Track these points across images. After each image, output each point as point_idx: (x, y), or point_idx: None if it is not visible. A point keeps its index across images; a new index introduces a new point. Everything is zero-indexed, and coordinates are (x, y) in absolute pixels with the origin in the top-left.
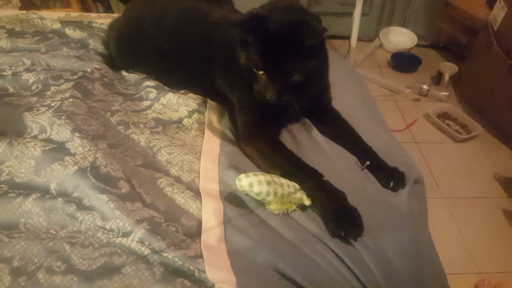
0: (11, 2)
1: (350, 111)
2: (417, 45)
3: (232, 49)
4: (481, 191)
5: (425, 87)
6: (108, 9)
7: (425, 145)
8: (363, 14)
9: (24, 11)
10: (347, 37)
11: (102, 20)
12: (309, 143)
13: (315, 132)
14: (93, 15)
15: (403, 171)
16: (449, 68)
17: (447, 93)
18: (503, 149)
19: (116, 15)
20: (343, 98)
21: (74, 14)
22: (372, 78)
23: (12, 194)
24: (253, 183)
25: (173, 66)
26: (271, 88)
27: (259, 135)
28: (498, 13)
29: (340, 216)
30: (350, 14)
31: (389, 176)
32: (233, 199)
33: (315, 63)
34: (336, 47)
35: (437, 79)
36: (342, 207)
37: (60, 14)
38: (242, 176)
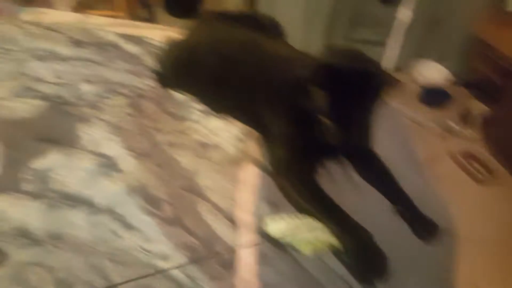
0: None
1: (387, 152)
2: (448, 81)
3: (283, 84)
4: (502, 236)
5: (452, 124)
6: (153, 14)
7: (446, 183)
8: (401, 47)
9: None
10: None
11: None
12: (345, 183)
13: (352, 173)
14: (142, 24)
15: (437, 223)
16: (478, 108)
17: (475, 133)
18: None
19: (161, 26)
20: (381, 138)
21: (125, 21)
22: (400, 109)
23: (60, 204)
24: (279, 229)
25: (223, 92)
26: (336, 135)
27: (295, 170)
28: None
29: (367, 259)
30: (384, 43)
31: (423, 226)
32: (267, 234)
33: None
34: None
35: (466, 117)
36: (370, 250)
37: (112, 20)
38: (269, 219)
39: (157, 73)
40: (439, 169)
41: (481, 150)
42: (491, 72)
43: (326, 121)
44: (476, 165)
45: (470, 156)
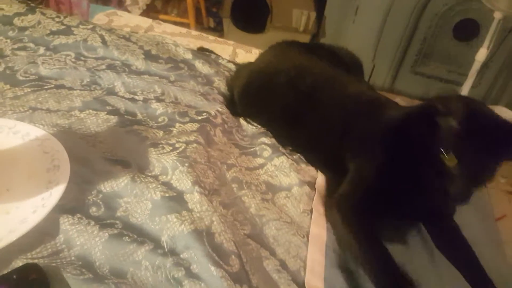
0: (138, 3)
1: (467, 226)
2: None
3: (371, 119)
4: None
5: None
6: (218, 24)
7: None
8: (472, 87)
9: (154, 24)
10: None
11: (219, 47)
12: (421, 255)
13: (431, 244)
14: (211, 37)
15: None
16: None
17: None
18: None
19: (231, 42)
20: (462, 209)
21: (195, 33)
22: None
23: (127, 236)
24: None
25: (297, 128)
26: (464, 185)
27: (355, 208)
28: None
29: None
30: (457, 82)
31: None
32: None
33: None
34: None
35: None
36: None
37: (182, 30)
38: None
39: (227, 98)
40: (504, 229)
41: None
42: None
43: (449, 160)
44: None
45: None
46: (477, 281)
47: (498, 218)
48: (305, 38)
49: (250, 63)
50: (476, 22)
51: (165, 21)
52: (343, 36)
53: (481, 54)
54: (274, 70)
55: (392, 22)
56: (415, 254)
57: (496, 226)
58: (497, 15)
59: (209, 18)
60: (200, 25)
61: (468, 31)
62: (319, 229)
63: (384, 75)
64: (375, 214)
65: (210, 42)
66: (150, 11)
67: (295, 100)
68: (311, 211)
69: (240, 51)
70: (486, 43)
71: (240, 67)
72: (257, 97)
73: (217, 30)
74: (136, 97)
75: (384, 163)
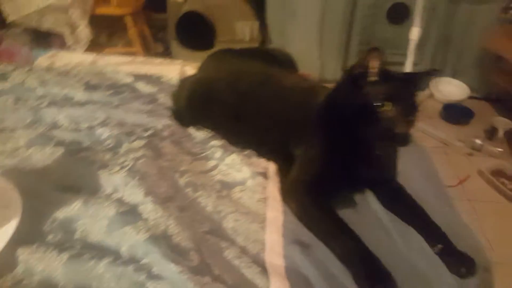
0: (80, 41)
1: (414, 185)
2: (469, 97)
3: (305, 107)
4: None
5: (478, 141)
6: (167, 48)
7: (478, 203)
8: (414, 64)
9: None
10: None
11: (166, 68)
12: (370, 217)
13: (379, 206)
14: (157, 60)
15: (472, 257)
16: (503, 123)
17: (502, 149)
18: None
19: (178, 61)
20: (407, 170)
21: (140, 59)
22: (423, 129)
23: (86, 255)
24: None
25: (242, 126)
26: (402, 120)
27: (309, 190)
28: None
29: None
30: (401, 63)
31: (459, 261)
32: (299, 278)
33: None
34: None
35: (491, 133)
36: (378, 271)
37: (126, 59)
38: None
39: (174, 111)
40: (469, 189)
41: (510, 166)
42: (510, 86)
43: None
44: (507, 182)
45: (500, 174)
46: (428, 232)
47: (462, 180)
48: None
49: (191, 75)
50: (405, 5)
51: (111, 54)
52: (288, 40)
53: (414, 33)
54: (214, 78)
55: (329, 19)
56: (364, 217)
57: (443, 185)
58: None
59: (156, 43)
60: (149, 52)
61: (400, 14)
62: (275, 212)
63: (333, 69)
64: (327, 191)
65: (157, 65)
66: (95, 47)
67: (237, 101)
68: (266, 199)
69: (189, 68)
70: (416, 21)
71: (183, 80)
72: (202, 105)
73: (166, 54)
74: (80, 126)
75: (325, 142)
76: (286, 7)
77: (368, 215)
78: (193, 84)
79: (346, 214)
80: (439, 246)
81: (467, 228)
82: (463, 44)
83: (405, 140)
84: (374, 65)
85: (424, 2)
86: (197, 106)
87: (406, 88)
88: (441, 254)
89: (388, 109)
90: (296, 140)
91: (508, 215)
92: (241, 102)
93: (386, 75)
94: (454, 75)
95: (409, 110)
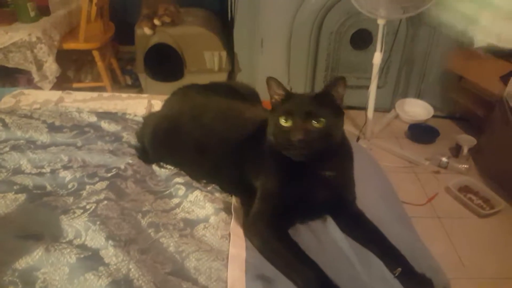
0: (47, 77)
1: (373, 208)
2: (434, 116)
3: (262, 138)
4: (509, 272)
5: (444, 159)
6: (136, 81)
7: (447, 220)
8: (378, 87)
9: (64, 95)
10: (364, 108)
11: (133, 102)
12: (331, 246)
13: (339, 234)
14: (124, 95)
15: (431, 278)
16: (467, 141)
17: (467, 166)
18: None
19: (145, 95)
20: (366, 194)
21: (106, 95)
22: (391, 149)
23: None
24: None
25: (205, 160)
26: (298, 129)
27: (270, 224)
28: None
29: None
30: (366, 87)
31: (419, 283)
32: None
33: (336, 123)
34: (353, 117)
35: (456, 151)
36: None
37: (93, 95)
38: None
39: (138, 148)
40: (438, 206)
41: (477, 183)
42: (472, 104)
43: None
44: (474, 198)
45: (467, 190)
46: (389, 257)
47: (431, 198)
48: (222, 77)
49: (156, 111)
50: (368, 31)
51: (79, 89)
52: (256, 68)
53: (377, 58)
54: (178, 113)
55: (295, 47)
56: (325, 245)
57: (401, 205)
58: (380, 21)
59: (125, 76)
60: (118, 85)
61: (363, 40)
62: (237, 248)
63: None
64: (287, 221)
65: (124, 99)
66: (62, 83)
67: (200, 135)
68: (229, 235)
69: (156, 102)
70: (378, 47)
71: (147, 117)
72: (166, 140)
73: (135, 86)
74: (43, 170)
75: (275, 172)
76: (254, 36)
77: (329, 243)
78: (157, 120)
79: (307, 243)
80: (399, 269)
81: (425, 250)
82: (426, 66)
83: (303, 147)
84: (276, 91)
85: (385, 28)
86: (161, 141)
87: (303, 103)
88: (401, 277)
89: (284, 121)
90: (255, 172)
91: (477, 230)
92: (203, 135)
93: (288, 97)
94: (418, 96)
95: (304, 120)
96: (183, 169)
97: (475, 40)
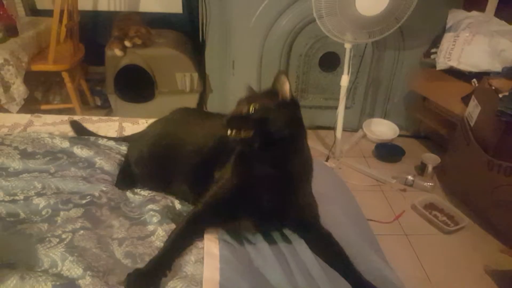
0: (15, 99)
1: (340, 229)
2: (399, 136)
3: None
4: (474, 286)
5: (410, 177)
6: (105, 102)
7: (414, 237)
8: (346, 107)
9: (33, 118)
10: (333, 128)
11: (103, 125)
12: (301, 269)
13: (309, 254)
14: (94, 118)
15: None
16: (431, 159)
17: (432, 184)
18: (491, 241)
19: (116, 118)
20: (333, 215)
21: (77, 117)
22: (359, 168)
23: None
24: None
25: (194, 180)
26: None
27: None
28: (473, 110)
29: None
30: (335, 107)
31: None
32: None
33: (284, 118)
34: (323, 137)
35: (421, 169)
36: None
37: (63, 118)
38: None
39: (110, 174)
40: (405, 224)
41: (442, 200)
42: (435, 124)
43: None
44: (439, 215)
45: (432, 207)
46: (355, 281)
47: (398, 216)
48: (193, 98)
49: (148, 130)
50: (336, 54)
51: (47, 111)
52: (227, 89)
53: (344, 80)
54: (176, 131)
55: (266, 69)
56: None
57: (369, 227)
58: (347, 45)
59: (94, 97)
60: (87, 106)
61: (331, 62)
62: (211, 271)
63: None
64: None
65: (94, 122)
66: (30, 105)
67: (172, 150)
68: (203, 258)
69: (127, 124)
70: (345, 69)
71: (135, 139)
72: (163, 158)
73: (105, 107)
74: (16, 197)
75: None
76: (225, 58)
77: (299, 266)
78: (155, 137)
79: (276, 265)
80: None
81: (392, 273)
82: (391, 87)
83: (237, 143)
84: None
85: (352, 51)
86: (160, 157)
87: (237, 116)
88: None
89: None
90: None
91: (442, 246)
92: (173, 149)
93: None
94: (384, 116)
95: (236, 125)
96: (170, 188)
97: (437, 63)
